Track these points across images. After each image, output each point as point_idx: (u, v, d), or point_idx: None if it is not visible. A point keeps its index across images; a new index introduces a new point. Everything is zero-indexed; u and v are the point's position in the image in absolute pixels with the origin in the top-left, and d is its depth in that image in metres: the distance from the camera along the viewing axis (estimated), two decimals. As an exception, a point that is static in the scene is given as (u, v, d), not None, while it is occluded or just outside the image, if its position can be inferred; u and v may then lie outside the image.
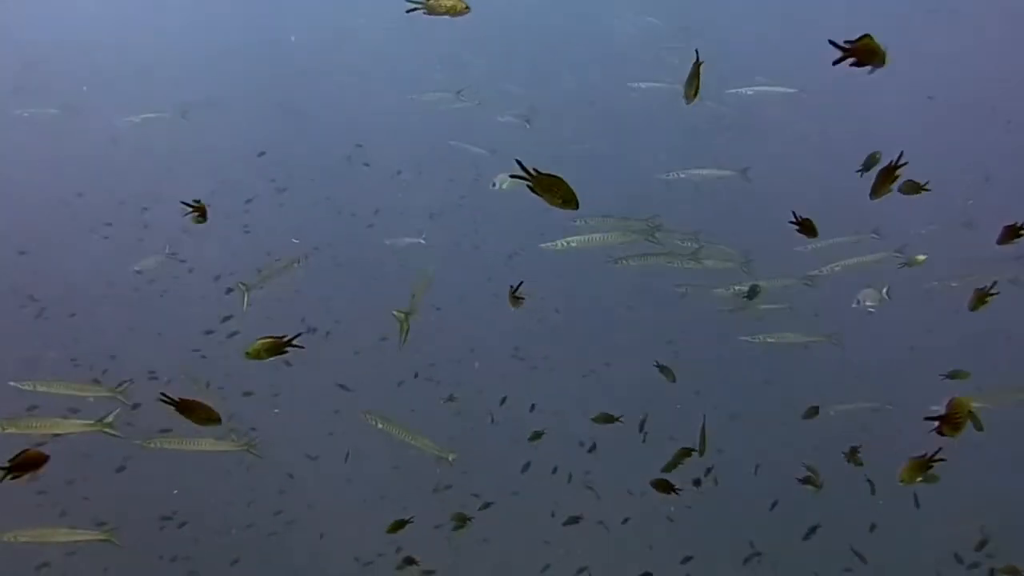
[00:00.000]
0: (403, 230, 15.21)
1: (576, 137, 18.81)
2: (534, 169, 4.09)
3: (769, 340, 10.88)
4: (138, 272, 13.88)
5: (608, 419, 9.02)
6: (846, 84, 17.23)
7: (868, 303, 9.90)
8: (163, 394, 4.99)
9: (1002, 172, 14.85)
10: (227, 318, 12.88)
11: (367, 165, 16.83)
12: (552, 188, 4.20)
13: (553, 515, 12.08)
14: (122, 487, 12.44)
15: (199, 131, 16.46)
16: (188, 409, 5.15)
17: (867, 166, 7.05)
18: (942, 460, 5.61)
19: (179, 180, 15.27)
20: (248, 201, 15.48)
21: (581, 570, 12.16)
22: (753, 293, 9.88)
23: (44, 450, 5.01)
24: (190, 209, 5.77)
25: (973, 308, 7.06)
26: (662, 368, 9.75)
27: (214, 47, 19.46)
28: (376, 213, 16.22)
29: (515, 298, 6.63)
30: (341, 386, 13.10)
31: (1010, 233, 6.44)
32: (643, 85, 16.04)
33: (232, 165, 16.24)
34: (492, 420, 13.14)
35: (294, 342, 4.95)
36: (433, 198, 16.85)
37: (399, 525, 8.19)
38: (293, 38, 20.55)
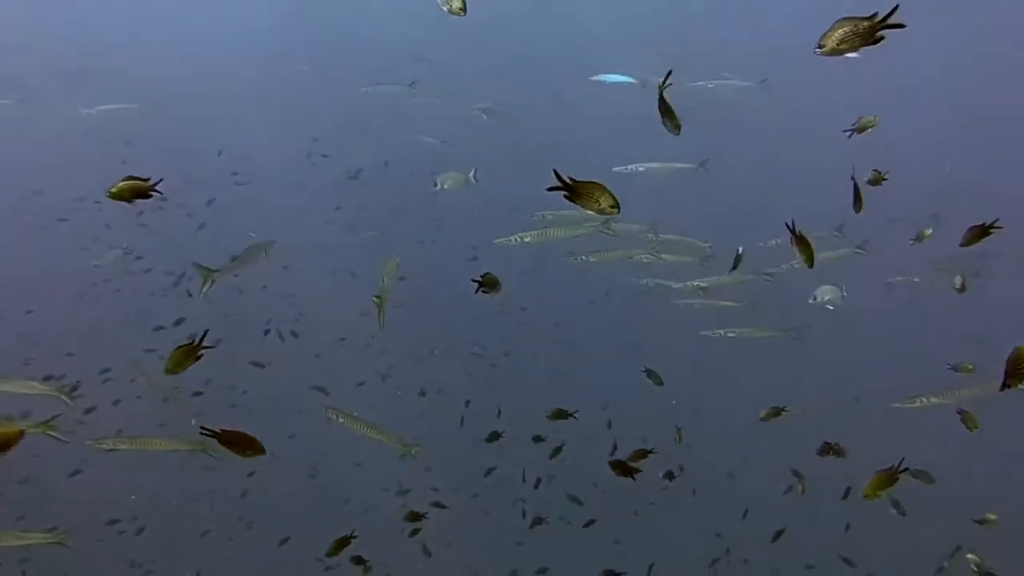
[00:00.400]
0: (364, 226, 15.05)
1: (540, 131, 18.74)
2: (570, 177, 3.90)
3: (730, 335, 10.79)
4: (97, 266, 13.59)
5: (562, 415, 8.90)
6: (811, 79, 17.44)
7: (826, 299, 9.90)
8: (203, 427, 4.78)
9: (968, 167, 15.01)
10: (179, 321, 12.60)
11: (325, 156, 16.61)
12: (590, 194, 4.03)
13: (524, 515, 11.99)
14: (80, 490, 12.16)
15: (158, 124, 16.08)
16: (230, 441, 4.93)
17: (860, 129, 6.85)
18: (906, 470, 5.52)
19: (137, 174, 14.94)
20: (210, 202, 15.23)
21: (542, 571, 12.07)
22: (737, 262, 9.66)
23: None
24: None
25: (960, 290, 6.96)
26: (650, 373, 9.55)
27: (176, 37, 19.16)
28: (337, 210, 16.04)
29: (488, 284, 6.39)
30: (319, 388, 12.83)
31: (977, 233, 6.34)
32: (605, 78, 16.02)
33: (192, 158, 15.94)
34: (462, 423, 12.93)
35: (204, 343, 4.87)
36: (394, 193, 16.71)
37: (343, 543, 7.63)
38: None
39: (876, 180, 6.46)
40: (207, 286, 8.56)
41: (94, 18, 18.72)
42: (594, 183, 4.03)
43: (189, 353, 4.89)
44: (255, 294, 14.17)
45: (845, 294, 9.82)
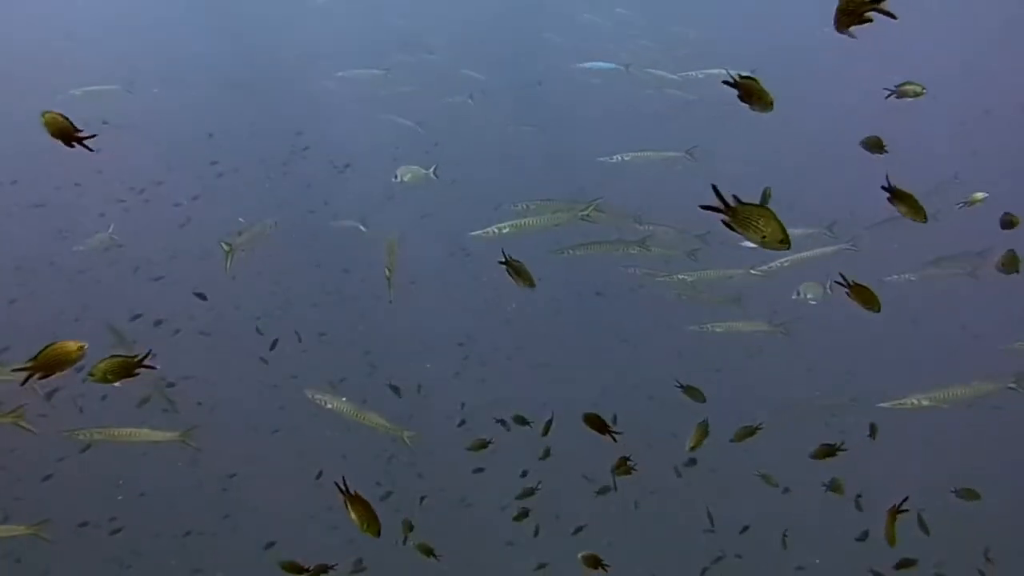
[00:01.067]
0: (350, 217, 14.82)
1: (529, 119, 18.56)
2: (734, 197, 3.28)
3: (717, 329, 10.59)
4: (80, 250, 13.35)
5: (522, 421, 8.73)
6: (807, 71, 17.29)
7: (809, 295, 9.77)
8: (339, 484, 4.81)
9: (968, 165, 14.81)
10: (159, 322, 12.35)
11: (307, 149, 16.37)
12: (754, 222, 3.37)
13: (526, 516, 11.80)
14: (60, 485, 11.93)
15: (145, 106, 15.73)
16: (358, 507, 4.87)
17: (900, 94, 6.48)
18: (905, 511, 5.36)
19: (122, 160, 14.77)
20: (195, 198, 15.01)
21: (541, 566, 11.87)
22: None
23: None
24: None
25: (1008, 269, 6.59)
26: (687, 389, 9.05)
27: (163, 18, 18.90)
28: (326, 205, 15.78)
29: (515, 271, 6.13)
30: (330, 383, 12.58)
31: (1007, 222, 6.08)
32: (590, 66, 15.88)
33: (177, 143, 15.70)
34: (461, 423, 12.61)
35: (145, 362, 4.40)
36: (381, 185, 16.54)
37: (297, 569, 7.10)
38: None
39: (876, 146, 6.03)
40: (230, 262, 8.62)
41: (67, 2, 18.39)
42: (761, 208, 3.37)
43: (124, 367, 4.42)
44: (239, 287, 13.96)
45: (830, 291, 9.69)
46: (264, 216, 13.90)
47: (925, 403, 7.76)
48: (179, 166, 15.31)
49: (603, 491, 11.08)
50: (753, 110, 4.70)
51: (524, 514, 9.72)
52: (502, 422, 10.02)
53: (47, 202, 14.61)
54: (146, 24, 18.86)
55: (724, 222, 3.39)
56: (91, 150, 4.37)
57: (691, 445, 7.09)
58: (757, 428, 7.68)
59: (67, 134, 4.32)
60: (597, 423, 6.75)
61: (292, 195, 16.12)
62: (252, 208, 14.96)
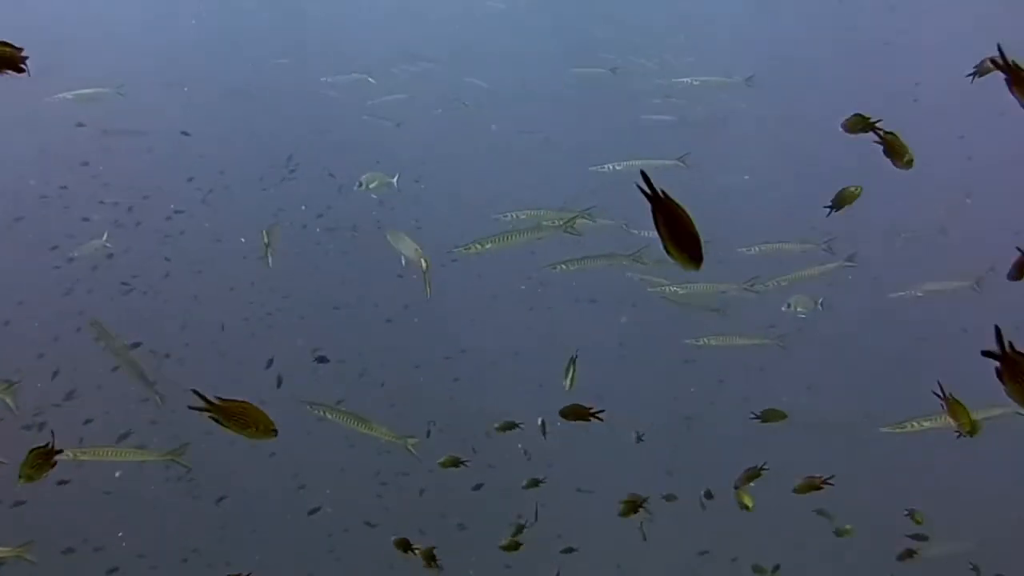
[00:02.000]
0: (345, 226, 14.68)
1: (524, 127, 18.49)
2: (1009, 344, 2.95)
3: (713, 343, 10.43)
4: (74, 256, 13.16)
5: (511, 426, 8.54)
6: (804, 83, 17.11)
7: (799, 309, 9.69)
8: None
9: (973, 174, 14.59)
10: (136, 344, 12.12)
11: (293, 171, 16.21)
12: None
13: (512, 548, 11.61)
14: (46, 510, 11.75)
15: (138, 110, 15.53)
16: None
17: (982, 72, 6.19)
18: None
19: (113, 167, 14.67)
20: (179, 213, 14.82)
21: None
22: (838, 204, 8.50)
23: None
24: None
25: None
26: (769, 414, 8.42)
27: (159, 23, 18.82)
28: (319, 217, 15.61)
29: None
30: (339, 402, 12.39)
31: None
32: (583, 70, 15.77)
33: (171, 149, 15.57)
34: (473, 451, 12.39)
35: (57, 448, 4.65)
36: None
37: None
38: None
39: (856, 123, 5.58)
40: (271, 255, 8.64)
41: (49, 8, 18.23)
42: None
43: (45, 457, 4.63)
44: (235, 298, 13.81)
45: (820, 307, 9.66)
46: (261, 223, 13.80)
47: (927, 425, 7.54)
48: (173, 173, 15.14)
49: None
50: (896, 166, 4.80)
51: (516, 546, 9.43)
52: (542, 425, 9.68)
53: (37, 211, 14.44)
54: (141, 29, 18.73)
55: (997, 371, 3.02)
56: (21, 70, 4.29)
57: (747, 504, 7.13)
58: (762, 469, 7.49)
59: (14, 61, 4.25)
60: (578, 412, 6.68)
61: (288, 205, 15.98)
62: (249, 218, 14.90)
